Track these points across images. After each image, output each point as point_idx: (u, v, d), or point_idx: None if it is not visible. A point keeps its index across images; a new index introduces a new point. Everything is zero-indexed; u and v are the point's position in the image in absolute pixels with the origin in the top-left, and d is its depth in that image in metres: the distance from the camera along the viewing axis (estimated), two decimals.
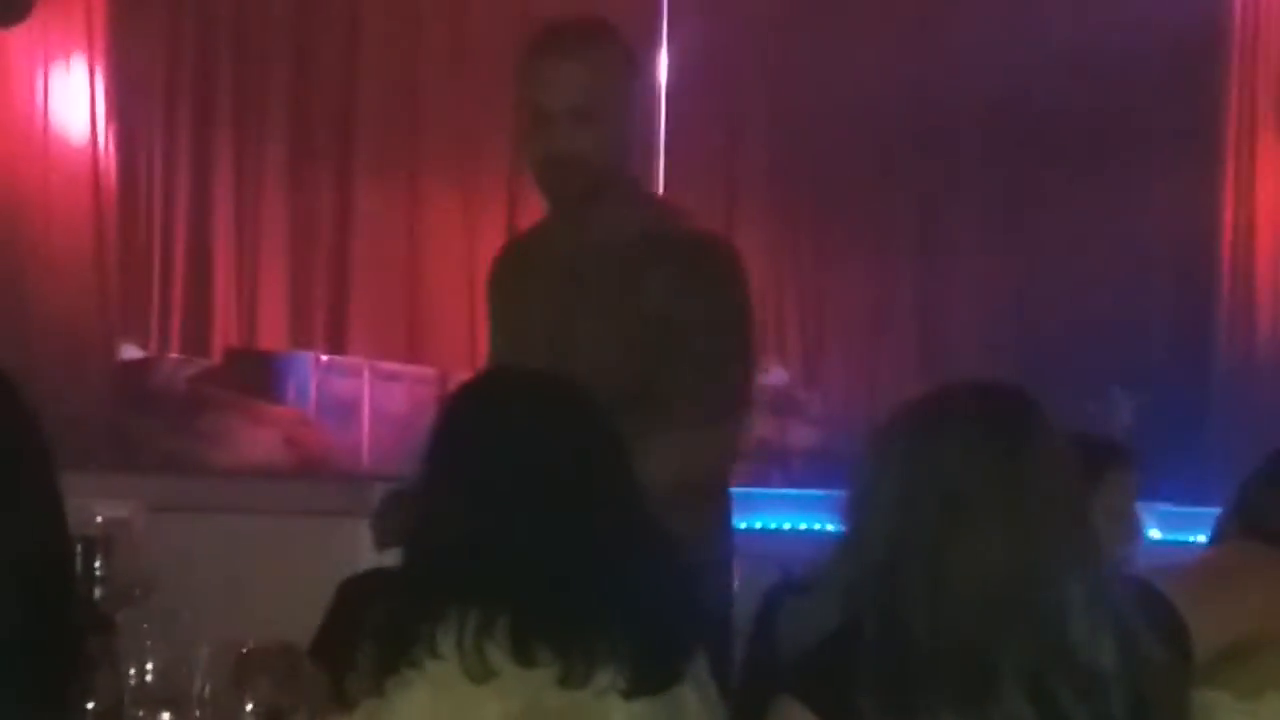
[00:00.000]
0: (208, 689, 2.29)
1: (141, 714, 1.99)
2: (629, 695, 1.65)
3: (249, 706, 2.20)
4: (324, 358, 6.53)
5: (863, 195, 7.39)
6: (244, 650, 2.33)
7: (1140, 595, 1.61)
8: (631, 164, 2.95)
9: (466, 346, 6.89)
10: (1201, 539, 4.16)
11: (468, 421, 1.85)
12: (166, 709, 2.38)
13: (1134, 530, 3.49)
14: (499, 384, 2.08)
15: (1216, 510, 3.14)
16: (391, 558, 2.73)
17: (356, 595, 2.92)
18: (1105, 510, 3.26)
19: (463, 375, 5.59)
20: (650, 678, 1.67)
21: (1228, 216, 6.31)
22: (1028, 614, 1.49)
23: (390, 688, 1.67)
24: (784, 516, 5.06)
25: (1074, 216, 6.80)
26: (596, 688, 1.65)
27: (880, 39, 7.11)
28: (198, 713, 2.00)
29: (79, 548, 2.03)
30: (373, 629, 1.73)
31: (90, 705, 1.86)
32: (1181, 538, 4.68)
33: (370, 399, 6.24)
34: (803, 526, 4.93)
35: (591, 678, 1.64)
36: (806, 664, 1.58)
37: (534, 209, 3.70)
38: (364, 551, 3.45)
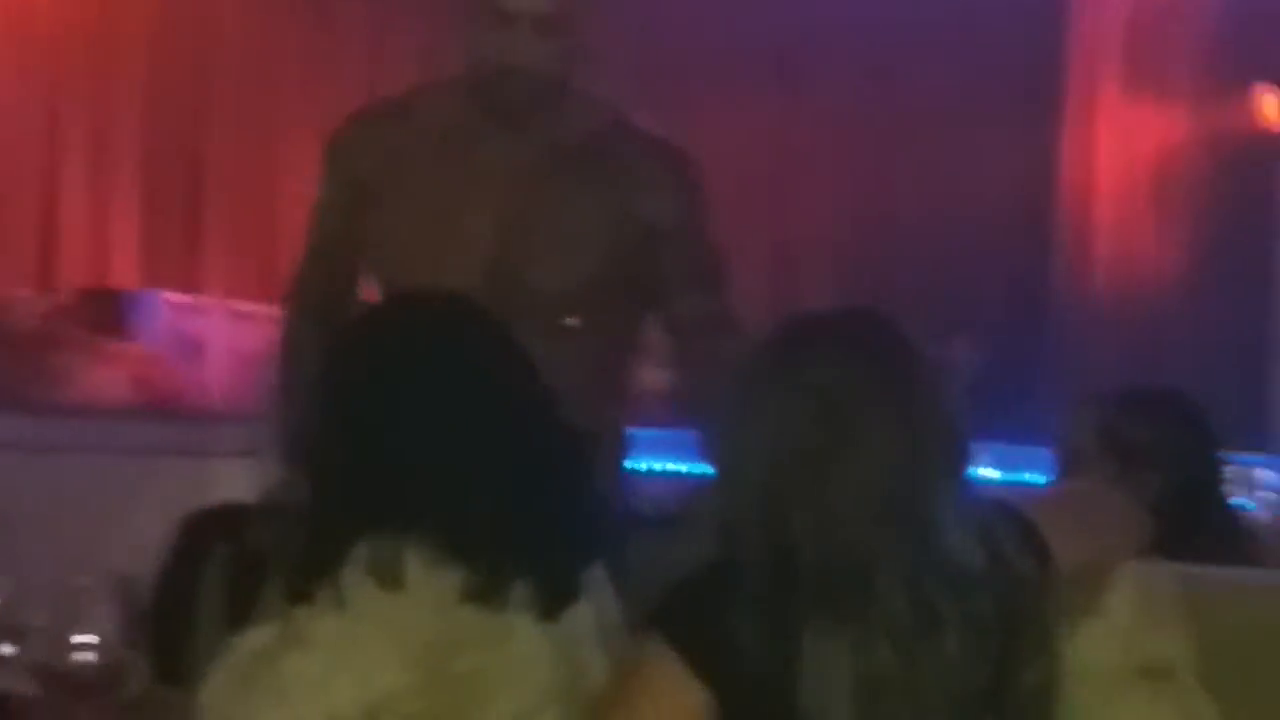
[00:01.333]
0: (45, 623, 2.31)
1: None
2: (543, 615, 1.62)
3: (82, 640, 2.23)
4: (174, 296, 6.39)
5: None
6: (83, 585, 2.35)
7: (1001, 512, 1.65)
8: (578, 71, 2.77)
9: None
10: (1032, 477, 4.42)
11: (374, 344, 1.80)
12: (6, 641, 2.37)
13: None
14: (401, 308, 2.00)
15: (1045, 448, 3.31)
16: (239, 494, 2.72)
17: (203, 530, 2.89)
18: None
19: None
20: (560, 595, 1.65)
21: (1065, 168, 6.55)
22: (907, 520, 1.50)
23: (300, 616, 1.64)
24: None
25: (917, 169, 6.87)
26: (507, 604, 1.62)
27: None
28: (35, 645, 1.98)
29: None
30: (283, 558, 1.70)
31: None
32: (1015, 475, 4.88)
33: (221, 338, 6.14)
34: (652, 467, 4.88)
35: (504, 593, 1.61)
36: (676, 602, 1.55)
37: None
38: (212, 490, 3.47)
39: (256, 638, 1.68)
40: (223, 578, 2.71)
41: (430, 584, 1.60)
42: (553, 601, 1.63)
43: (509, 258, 2.61)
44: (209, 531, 2.83)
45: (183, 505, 3.05)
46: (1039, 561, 1.60)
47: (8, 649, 2.36)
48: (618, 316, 2.71)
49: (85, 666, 2.27)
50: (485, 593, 1.60)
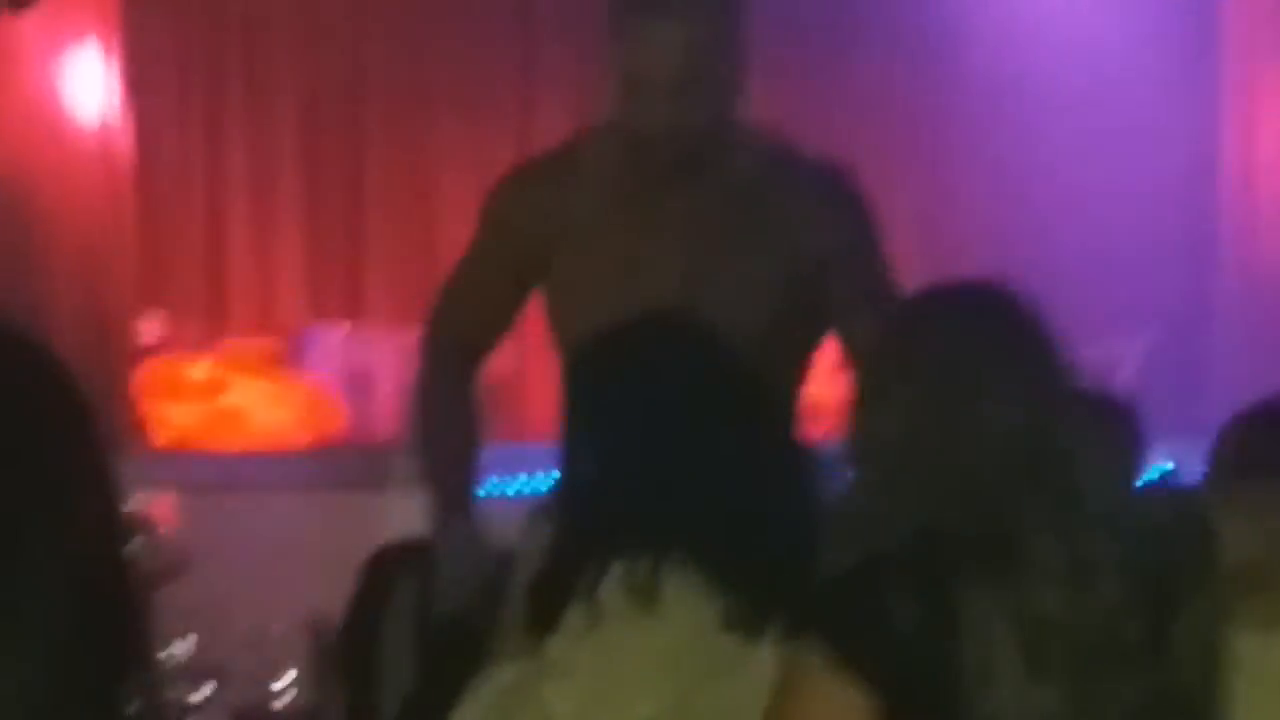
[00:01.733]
0: (243, 665, 2.37)
1: (181, 690, 2.04)
2: (785, 640, 1.62)
3: (281, 684, 2.26)
4: (341, 330, 6.60)
5: None
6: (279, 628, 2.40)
7: (1168, 489, 1.65)
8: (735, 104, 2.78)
9: None
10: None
11: (614, 373, 1.85)
12: (206, 682, 2.49)
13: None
14: (639, 334, 2.02)
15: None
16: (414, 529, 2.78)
17: (387, 568, 2.93)
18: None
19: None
20: (801, 621, 1.64)
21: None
22: (1048, 477, 1.54)
23: (554, 646, 1.67)
24: None
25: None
26: (763, 634, 1.65)
27: None
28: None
29: None
30: (532, 586, 1.74)
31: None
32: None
33: (389, 369, 6.23)
34: None
35: (764, 623, 1.64)
36: (828, 601, 1.57)
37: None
38: (387, 521, 3.54)
39: (504, 673, 1.71)
40: (409, 614, 2.78)
41: (689, 609, 1.64)
42: (796, 628, 1.65)
43: (692, 307, 2.63)
44: (393, 569, 2.87)
45: (359, 538, 3.12)
46: (1204, 538, 1.62)
47: (208, 690, 2.53)
48: (797, 343, 2.80)
49: (283, 709, 2.28)
50: (747, 622, 1.63)
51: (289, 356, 6.54)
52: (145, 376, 6.25)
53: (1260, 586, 1.82)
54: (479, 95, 7.48)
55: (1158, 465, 4.28)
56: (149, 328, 6.48)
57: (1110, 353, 5.56)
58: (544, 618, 1.69)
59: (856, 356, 2.71)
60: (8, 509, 0.98)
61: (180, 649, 2.24)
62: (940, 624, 1.47)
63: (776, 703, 1.56)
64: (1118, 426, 3.66)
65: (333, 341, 6.58)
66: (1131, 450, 3.30)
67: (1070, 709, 1.53)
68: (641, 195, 2.77)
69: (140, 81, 6.61)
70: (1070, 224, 6.92)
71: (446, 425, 2.99)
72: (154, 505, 4.38)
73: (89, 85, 6.25)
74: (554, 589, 1.71)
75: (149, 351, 6.35)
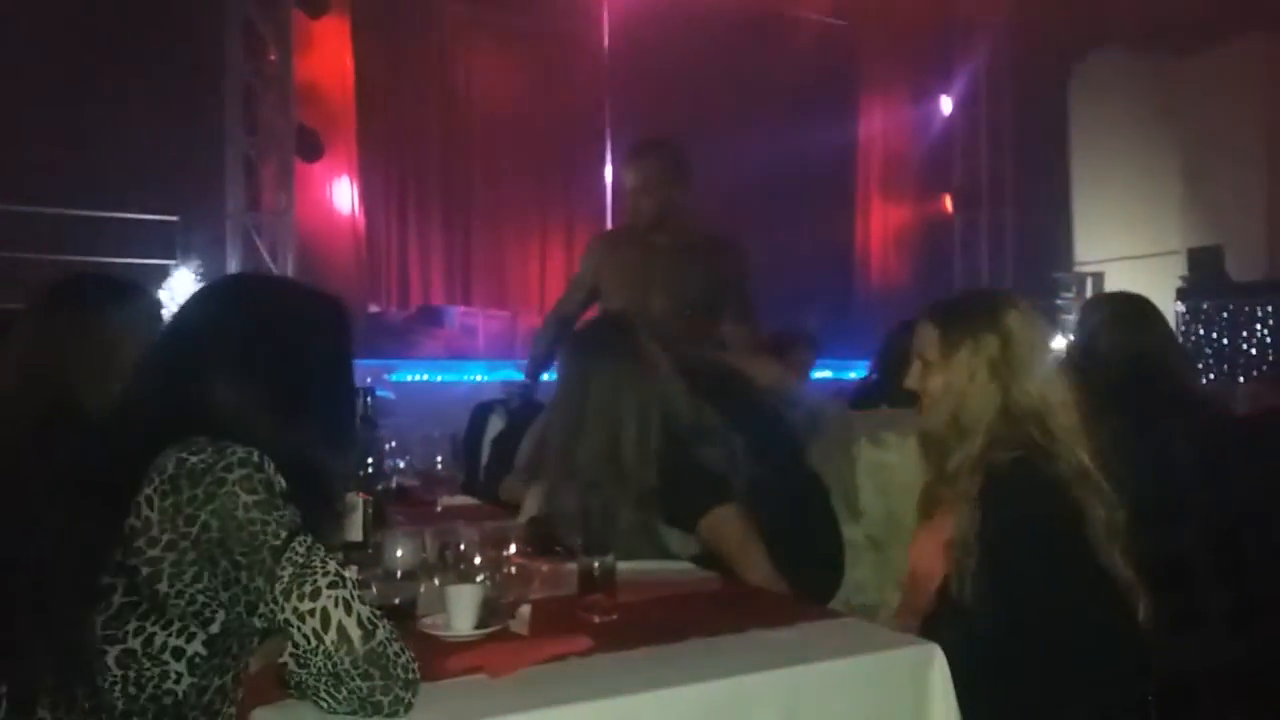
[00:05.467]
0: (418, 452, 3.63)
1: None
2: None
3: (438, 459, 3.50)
4: (461, 308, 10.26)
5: None
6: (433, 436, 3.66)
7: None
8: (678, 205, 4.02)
9: (536, 296, 10.50)
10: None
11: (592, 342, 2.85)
12: (400, 459, 3.63)
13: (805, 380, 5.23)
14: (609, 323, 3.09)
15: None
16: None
17: (485, 404, 4.51)
18: (799, 367, 5.42)
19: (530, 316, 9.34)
20: None
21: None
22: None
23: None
24: None
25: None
26: None
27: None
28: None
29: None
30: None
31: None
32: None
33: (484, 329, 9.95)
34: None
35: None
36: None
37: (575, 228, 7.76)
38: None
39: None
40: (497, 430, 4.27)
41: None
42: None
43: (659, 301, 3.90)
44: (487, 405, 4.52)
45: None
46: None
47: (403, 464, 3.65)
48: (703, 318, 3.97)
49: (439, 470, 3.70)
50: None
51: (437, 320, 9.78)
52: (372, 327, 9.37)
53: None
54: (531, 189, 10.58)
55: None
56: (373, 305, 9.80)
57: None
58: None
59: (729, 345, 3.87)
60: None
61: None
62: None
63: None
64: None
65: (456, 313, 9.85)
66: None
67: None
68: (632, 250, 4.03)
69: (367, 193, 10.07)
70: None
71: (545, 344, 4.32)
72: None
73: (344, 195, 9.78)
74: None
75: (374, 317, 9.65)
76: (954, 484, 2.19)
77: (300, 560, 1.53)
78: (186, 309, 1.71)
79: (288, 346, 1.65)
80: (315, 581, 1.52)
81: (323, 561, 1.55)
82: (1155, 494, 2.30)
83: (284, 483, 1.56)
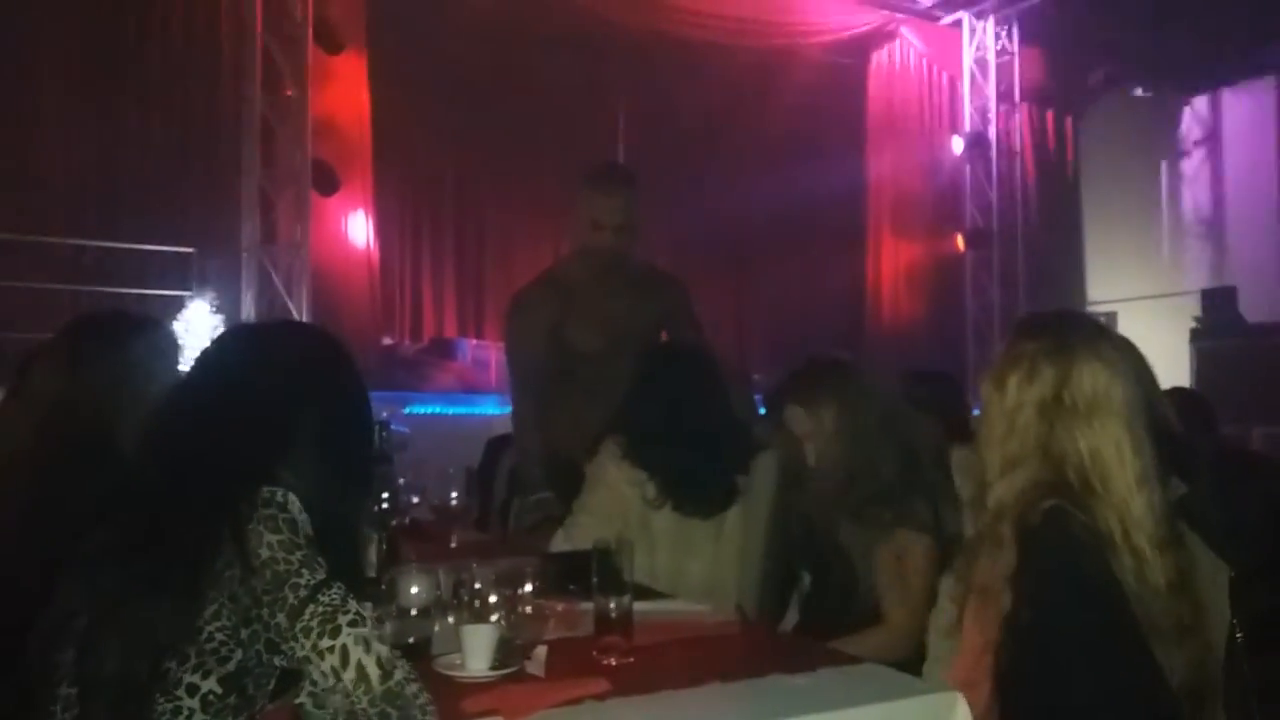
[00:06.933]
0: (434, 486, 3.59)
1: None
2: None
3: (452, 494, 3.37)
4: (474, 340, 10.38)
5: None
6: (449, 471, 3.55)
7: None
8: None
9: None
10: None
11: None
12: (414, 494, 3.55)
13: None
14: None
15: None
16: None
17: (496, 444, 4.52)
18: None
19: None
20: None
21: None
22: None
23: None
24: None
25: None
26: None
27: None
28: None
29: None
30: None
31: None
32: None
33: (495, 360, 9.70)
34: None
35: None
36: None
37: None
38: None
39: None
40: (506, 465, 4.24)
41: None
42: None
43: (623, 331, 3.92)
44: (499, 441, 4.53)
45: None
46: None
47: (417, 498, 3.56)
48: (653, 342, 4.00)
49: (453, 505, 3.54)
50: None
51: (449, 352, 9.91)
52: (386, 359, 9.52)
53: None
54: (533, 210, 10.73)
55: None
56: (387, 337, 9.92)
57: None
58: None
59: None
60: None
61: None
62: None
63: None
64: None
65: (468, 346, 10.00)
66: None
67: None
68: (595, 289, 3.95)
69: (384, 228, 10.12)
70: None
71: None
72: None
73: (359, 228, 9.67)
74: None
75: (387, 349, 9.73)
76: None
77: (328, 603, 1.55)
78: (208, 356, 1.73)
79: (311, 395, 1.68)
80: (336, 620, 1.53)
81: (343, 600, 1.56)
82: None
83: (309, 523, 1.57)
